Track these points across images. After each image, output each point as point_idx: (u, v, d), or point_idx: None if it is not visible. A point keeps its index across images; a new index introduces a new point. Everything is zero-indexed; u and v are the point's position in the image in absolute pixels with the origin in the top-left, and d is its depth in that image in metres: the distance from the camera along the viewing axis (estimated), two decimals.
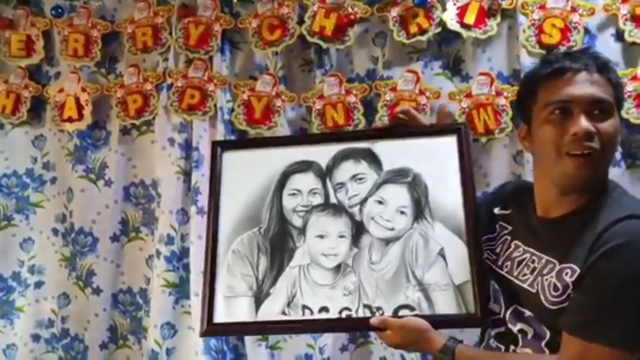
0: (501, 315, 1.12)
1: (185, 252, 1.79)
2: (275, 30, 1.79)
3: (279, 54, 1.80)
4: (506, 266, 1.13)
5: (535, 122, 1.07)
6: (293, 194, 1.26)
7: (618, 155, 1.58)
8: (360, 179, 1.24)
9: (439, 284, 1.15)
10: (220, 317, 1.20)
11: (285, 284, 1.20)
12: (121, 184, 1.91)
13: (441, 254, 1.17)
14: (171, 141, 1.83)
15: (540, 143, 1.06)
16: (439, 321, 1.12)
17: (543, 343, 1.04)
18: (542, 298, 1.02)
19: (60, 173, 1.94)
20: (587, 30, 1.61)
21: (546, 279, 1.02)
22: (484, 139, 1.68)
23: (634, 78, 1.57)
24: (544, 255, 1.05)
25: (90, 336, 1.87)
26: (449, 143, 1.23)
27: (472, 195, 1.20)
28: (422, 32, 1.70)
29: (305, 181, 1.26)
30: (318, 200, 1.24)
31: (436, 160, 1.23)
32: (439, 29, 1.69)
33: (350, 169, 1.25)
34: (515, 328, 1.08)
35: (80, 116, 1.90)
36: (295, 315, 1.18)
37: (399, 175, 1.24)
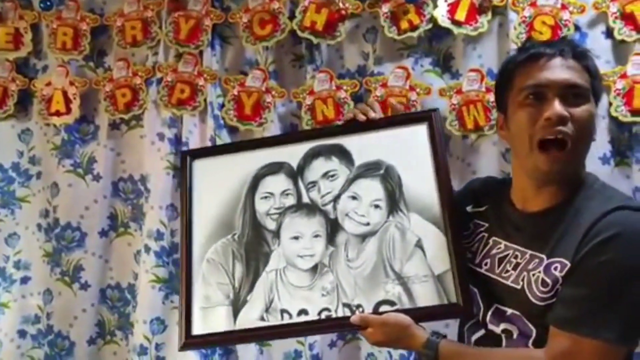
0: (480, 318, 1.09)
1: (174, 248, 1.78)
2: (266, 25, 1.78)
3: (270, 49, 1.80)
4: (485, 264, 1.10)
5: (510, 109, 1.06)
6: (265, 197, 1.24)
7: (607, 152, 1.59)
8: (332, 175, 1.22)
9: (418, 276, 1.13)
10: (198, 328, 1.18)
11: (262, 290, 1.18)
12: (110, 179, 1.90)
13: (419, 245, 1.15)
14: (160, 136, 1.82)
15: (515, 129, 1.04)
16: (421, 314, 1.10)
17: (530, 342, 1.01)
18: (529, 294, 1.00)
19: (45, 167, 1.92)
20: (577, 28, 1.62)
21: (533, 274, 1.00)
22: (473, 136, 1.68)
23: (623, 76, 1.58)
24: (528, 250, 1.03)
25: (77, 332, 1.85)
26: (420, 131, 1.21)
27: (447, 182, 1.17)
28: (413, 28, 1.70)
29: (276, 183, 1.24)
30: (291, 201, 1.22)
31: (408, 150, 1.21)
32: (429, 26, 1.69)
33: (321, 167, 1.23)
34: (498, 329, 1.06)
35: (68, 110, 1.88)
36: (274, 320, 1.15)
37: (371, 169, 1.21)
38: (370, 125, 1.23)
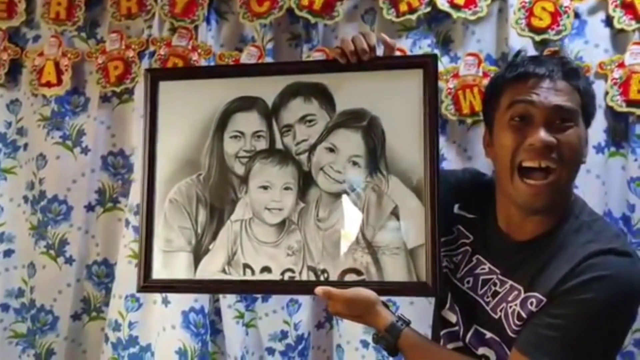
0: (460, 336, 1.07)
1: None
2: (263, 2, 1.75)
3: (267, 26, 1.77)
4: (468, 282, 1.07)
5: (495, 127, 1.02)
6: (235, 137, 1.13)
7: (602, 142, 1.58)
8: (310, 120, 1.11)
9: (389, 247, 1.06)
10: (158, 273, 1.13)
11: (225, 240, 1.11)
12: (99, 153, 1.86)
13: (395, 213, 1.07)
14: None
15: (498, 151, 1.01)
16: (386, 289, 1.06)
17: None
18: (506, 325, 0.99)
19: (32, 139, 1.88)
20: (577, 15, 1.61)
21: (510, 307, 0.98)
22: (469, 120, 1.67)
23: (621, 65, 1.57)
24: (509, 280, 1.01)
25: (61, 306, 1.82)
26: (414, 79, 1.09)
27: (436, 147, 1.07)
28: (412, 10, 1.68)
29: (248, 122, 1.13)
30: (262, 144, 1.12)
31: (397, 101, 1.09)
32: (429, 9, 1.67)
33: (299, 109, 1.12)
34: (477, 351, 1.04)
35: (59, 81, 1.84)
36: (236, 274, 1.10)
37: (353, 118, 1.10)
38: (358, 65, 1.09)
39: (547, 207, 0.98)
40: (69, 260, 1.84)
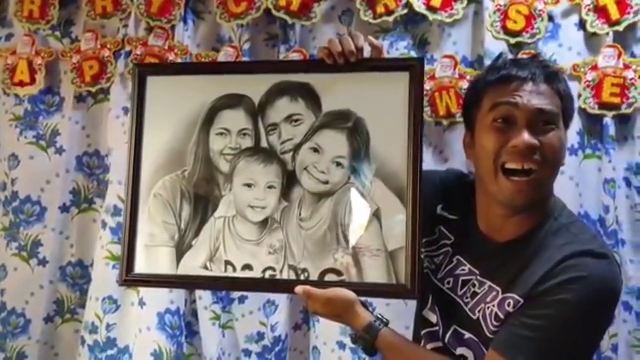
0: (440, 336, 1.07)
1: None
2: (241, 2, 1.74)
3: (244, 26, 1.76)
4: (448, 282, 1.07)
5: (477, 128, 1.03)
6: (221, 134, 1.14)
7: (575, 144, 1.60)
8: (296, 120, 1.12)
9: (370, 248, 1.07)
10: (140, 267, 1.14)
11: (208, 236, 1.12)
12: (74, 153, 1.84)
13: (376, 215, 1.08)
14: (125, 110, 1.76)
15: (480, 152, 1.01)
16: (366, 290, 1.06)
17: None
18: (483, 326, 0.99)
19: (3, 138, 1.85)
20: (551, 18, 1.63)
21: (488, 307, 0.99)
22: (445, 122, 1.68)
23: (594, 67, 1.59)
24: (487, 281, 1.01)
25: (33, 309, 1.79)
26: (399, 83, 1.09)
27: (419, 151, 1.07)
28: (389, 12, 1.68)
29: (234, 119, 1.13)
30: (248, 142, 1.13)
31: (382, 103, 1.10)
32: (405, 10, 1.68)
33: (285, 108, 1.12)
34: (456, 352, 1.04)
35: (33, 80, 1.82)
36: (218, 270, 1.11)
37: (338, 119, 1.11)
38: (345, 66, 1.09)
39: (528, 205, 0.98)
40: (42, 262, 1.81)
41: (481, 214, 1.06)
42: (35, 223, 1.82)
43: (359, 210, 1.08)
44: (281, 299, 1.72)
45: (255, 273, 1.10)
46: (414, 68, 1.10)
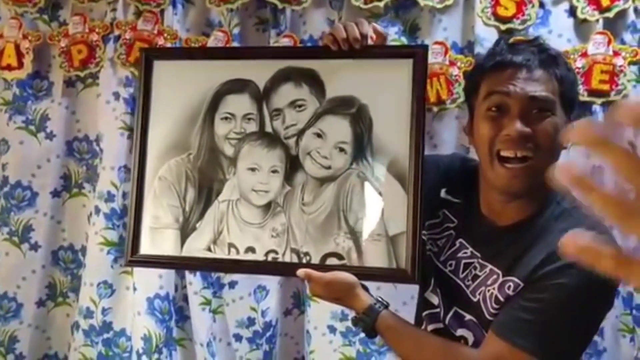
0: (441, 318, 1.08)
1: (126, 211, 1.74)
2: None
3: (234, 11, 1.75)
4: (450, 265, 1.08)
5: (475, 116, 1.03)
6: (226, 118, 1.14)
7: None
8: (300, 106, 1.12)
9: (371, 233, 1.07)
10: (145, 248, 1.15)
11: (212, 219, 1.13)
12: (64, 138, 1.83)
13: (378, 200, 1.09)
14: (116, 95, 1.76)
15: (477, 139, 1.02)
16: (367, 274, 1.07)
17: None
18: (483, 308, 1.00)
19: None
20: (541, 4, 1.62)
21: (489, 290, 1.00)
22: (435, 109, 1.68)
23: (584, 54, 1.58)
24: (489, 264, 1.02)
25: (25, 293, 1.80)
26: (403, 69, 1.09)
27: (421, 135, 1.07)
28: None
29: (239, 104, 1.14)
30: (252, 127, 1.13)
31: (386, 90, 1.10)
32: None
33: (289, 93, 1.13)
34: (456, 333, 1.06)
35: (20, 64, 1.80)
36: (221, 253, 1.12)
37: (342, 105, 1.11)
38: (350, 53, 1.09)
39: (524, 192, 0.99)
40: (34, 247, 1.82)
41: (483, 198, 1.07)
42: (27, 208, 1.82)
43: (361, 196, 1.09)
44: (272, 284, 1.73)
45: (258, 256, 1.11)
46: (417, 55, 1.09)
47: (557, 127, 0.98)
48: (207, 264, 1.18)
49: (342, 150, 1.10)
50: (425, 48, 1.12)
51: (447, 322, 1.07)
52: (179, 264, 1.22)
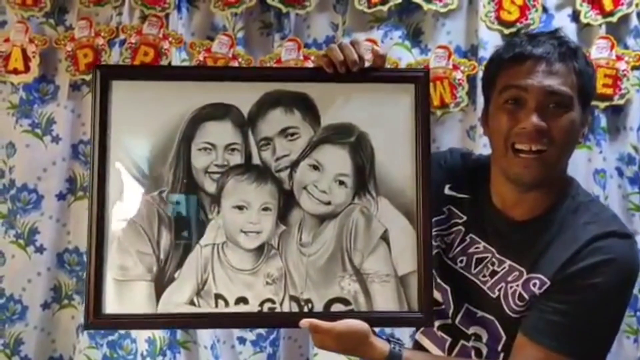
0: (450, 317, 1.06)
1: None
2: None
3: (238, 15, 1.76)
4: (461, 261, 1.05)
5: (491, 107, 1.02)
6: (205, 149, 1.00)
7: None
8: (292, 134, 1.00)
9: (379, 274, 0.99)
10: (111, 306, 0.97)
11: (194, 267, 0.98)
12: (69, 141, 1.84)
13: (384, 237, 0.99)
14: None
15: (492, 130, 1.01)
16: (376, 319, 0.98)
17: (499, 346, 1.01)
18: (504, 305, 0.99)
19: (1, 126, 1.85)
20: (545, 9, 1.63)
21: (510, 287, 0.98)
22: (439, 112, 1.69)
23: None
24: (507, 259, 1.00)
25: (30, 296, 1.81)
26: (405, 95, 1.01)
27: (427, 166, 0.99)
28: (384, 1, 1.68)
29: (220, 132, 1.00)
30: (237, 159, 1.00)
31: (388, 117, 1.01)
32: (400, 0, 1.68)
33: (279, 120, 1.00)
34: (468, 332, 1.04)
35: (27, 68, 1.81)
36: (207, 306, 0.98)
37: (339, 134, 1.01)
38: (346, 76, 0.99)
39: (537, 182, 0.97)
40: (40, 249, 1.83)
41: (496, 190, 1.05)
42: (32, 211, 1.83)
43: (366, 233, 0.99)
44: None
45: (252, 307, 0.98)
46: (419, 80, 1.01)
47: (574, 122, 0.97)
48: (190, 321, 1.03)
49: (342, 183, 1.00)
50: (426, 73, 1.04)
51: (457, 320, 1.06)
52: (156, 323, 1.06)
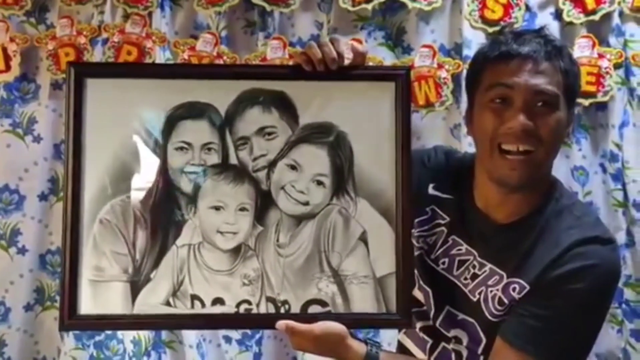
0: (430, 316, 1.06)
1: None
2: None
3: (222, 14, 1.75)
4: (443, 263, 1.04)
5: (476, 106, 0.99)
6: (181, 148, 0.98)
7: None
8: (270, 133, 0.99)
9: (357, 275, 0.98)
10: (86, 307, 0.96)
11: (170, 267, 0.97)
12: (51, 141, 1.82)
13: (363, 238, 0.98)
14: None
15: (477, 130, 0.99)
16: (354, 320, 0.97)
17: (480, 349, 1.00)
18: (484, 308, 0.98)
19: None
20: (528, 7, 1.65)
21: (491, 291, 0.97)
22: (423, 111, 1.69)
23: None
24: (488, 263, 0.99)
25: (13, 297, 1.79)
26: (385, 94, 0.99)
27: (408, 166, 0.98)
28: (368, 0, 1.68)
29: (197, 132, 0.98)
30: (214, 159, 0.98)
31: (367, 116, 0.99)
32: None
33: (256, 119, 0.98)
34: (448, 334, 1.03)
35: (8, 67, 1.79)
36: (183, 307, 0.97)
37: (318, 133, 0.99)
38: (325, 74, 0.98)
39: (523, 184, 0.96)
40: (22, 251, 1.80)
41: (480, 191, 1.03)
42: (14, 212, 1.80)
43: (344, 234, 0.98)
44: None
45: (228, 308, 0.97)
46: (400, 78, 0.99)
47: (561, 122, 0.95)
48: (166, 321, 1.02)
49: (320, 183, 0.99)
50: (407, 70, 1.01)
51: (438, 323, 1.05)
52: (131, 324, 1.04)
